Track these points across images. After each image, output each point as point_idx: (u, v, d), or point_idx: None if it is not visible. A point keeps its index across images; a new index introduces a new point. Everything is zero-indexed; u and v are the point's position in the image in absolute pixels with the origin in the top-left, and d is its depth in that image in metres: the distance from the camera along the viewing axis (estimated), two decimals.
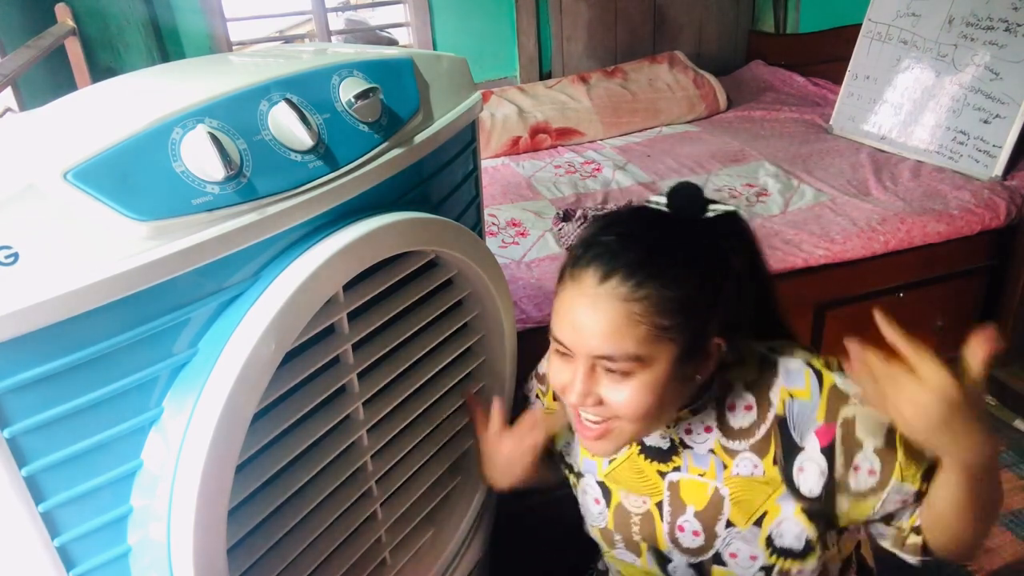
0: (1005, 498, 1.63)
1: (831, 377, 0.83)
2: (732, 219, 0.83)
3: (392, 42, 3.53)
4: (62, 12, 1.90)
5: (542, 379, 1.06)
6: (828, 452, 0.81)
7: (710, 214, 0.82)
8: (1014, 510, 1.63)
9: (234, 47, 2.68)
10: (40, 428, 0.58)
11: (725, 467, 0.88)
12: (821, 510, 0.84)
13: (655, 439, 0.91)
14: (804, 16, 3.03)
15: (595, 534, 1.01)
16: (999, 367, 1.96)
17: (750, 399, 0.86)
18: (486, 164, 2.45)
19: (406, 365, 0.91)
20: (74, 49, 1.89)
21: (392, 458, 0.94)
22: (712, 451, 0.88)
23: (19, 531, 0.60)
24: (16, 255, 0.54)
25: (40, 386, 0.58)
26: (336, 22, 4.09)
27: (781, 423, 0.84)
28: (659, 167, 2.31)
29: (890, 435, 0.81)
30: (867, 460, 0.81)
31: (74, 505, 0.62)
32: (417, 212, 0.85)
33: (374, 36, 3.61)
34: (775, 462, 0.85)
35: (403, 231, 0.82)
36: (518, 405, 1.11)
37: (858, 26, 2.42)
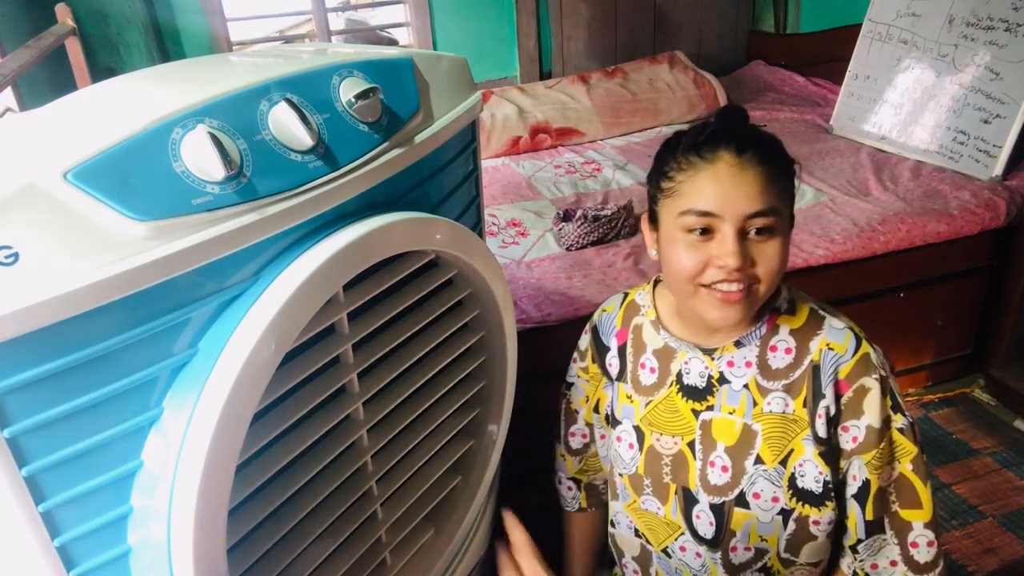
0: (1005, 498, 1.64)
1: (867, 347, 0.92)
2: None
3: (392, 42, 3.53)
4: (62, 12, 1.90)
5: (584, 355, 1.12)
6: (837, 402, 0.91)
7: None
8: (1014, 510, 1.63)
9: (234, 47, 2.68)
10: (40, 428, 0.58)
11: (755, 404, 0.95)
12: (831, 453, 0.92)
13: (694, 378, 0.98)
14: (804, 16, 3.03)
15: (624, 483, 1.06)
16: (999, 367, 1.96)
17: (791, 343, 0.94)
18: (486, 164, 2.45)
19: (406, 365, 0.91)
20: (74, 49, 1.89)
21: (392, 458, 0.94)
22: (747, 386, 0.95)
23: (19, 531, 0.60)
24: (16, 255, 0.54)
25: (40, 386, 0.58)
26: (336, 22, 4.09)
27: (815, 369, 0.92)
28: None
29: (885, 425, 0.90)
30: (857, 429, 0.91)
31: (74, 505, 0.62)
32: (417, 212, 0.85)
33: (374, 36, 3.61)
34: (804, 404, 0.92)
35: (403, 231, 0.82)
36: (516, 412, 1.11)
37: (858, 26, 2.42)
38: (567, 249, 1.82)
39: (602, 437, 1.14)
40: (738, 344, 0.95)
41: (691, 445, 0.98)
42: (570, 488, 1.21)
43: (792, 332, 0.95)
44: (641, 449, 1.03)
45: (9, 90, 1.69)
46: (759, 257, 0.86)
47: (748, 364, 0.95)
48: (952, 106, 2.13)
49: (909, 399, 2.00)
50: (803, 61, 2.98)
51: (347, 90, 0.76)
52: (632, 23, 3.03)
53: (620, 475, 1.06)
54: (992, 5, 2.07)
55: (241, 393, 0.65)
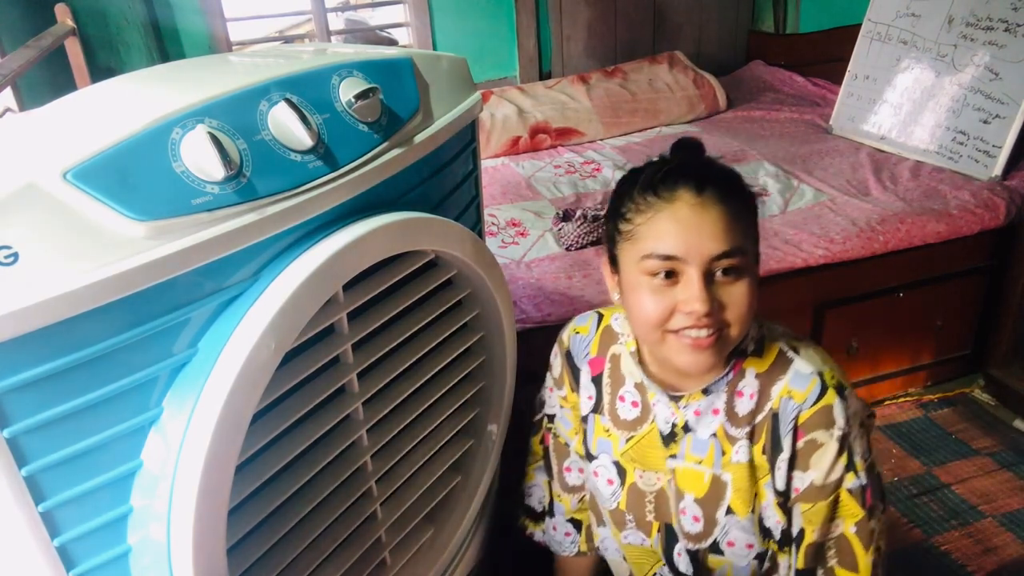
0: (1005, 498, 1.64)
1: (833, 397, 0.85)
2: None
3: (392, 42, 3.53)
4: (62, 12, 1.90)
5: (560, 383, 1.05)
6: (794, 449, 0.87)
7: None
8: (1014, 510, 1.63)
9: (234, 47, 2.68)
10: (40, 428, 0.58)
11: (724, 453, 0.91)
12: (787, 502, 0.89)
13: (661, 422, 0.94)
14: (804, 16, 3.03)
15: (606, 517, 1.02)
16: (999, 367, 1.96)
17: (755, 388, 0.89)
18: (486, 164, 2.45)
19: (406, 365, 0.91)
20: (74, 49, 1.89)
21: (392, 458, 0.94)
22: (714, 435, 0.91)
23: (19, 531, 0.60)
24: (16, 255, 0.54)
25: (40, 386, 0.58)
26: (336, 22, 4.09)
27: (775, 418, 0.87)
28: None
29: (835, 484, 0.86)
30: (801, 481, 0.87)
31: (74, 505, 0.62)
32: (417, 212, 0.85)
33: (374, 36, 3.61)
34: (763, 451, 0.89)
35: (403, 231, 0.82)
36: (516, 412, 1.11)
37: (858, 26, 2.41)
38: (567, 249, 1.82)
39: (580, 471, 1.09)
40: (706, 392, 0.90)
41: (669, 484, 0.95)
42: (568, 533, 1.12)
43: (758, 375, 0.89)
44: (622, 485, 0.98)
45: (9, 90, 1.69)
46: (728, 300, 0.81)
47: (716, 412, 0.91)
48: (951, 106, 2.13)
49: (909, 399, 2.01)
50: (803, 61, 2.98)
51: (347, 90, 0.76)
52: (632, 23, 3.03)
53: (602, 507, 1.03)
54: (992, 5, 2.07)
55: (241, 393, 0.65)
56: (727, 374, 0.89)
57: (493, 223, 1.99)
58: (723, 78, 2.92)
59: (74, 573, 0.64)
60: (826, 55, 2.85)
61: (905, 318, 1.92)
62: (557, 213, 1.96)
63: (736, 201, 0.82)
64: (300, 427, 0.80)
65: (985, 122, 2.03)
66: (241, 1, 2.81)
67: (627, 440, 0.97)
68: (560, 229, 1.87)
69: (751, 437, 0.89)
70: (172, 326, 0.64)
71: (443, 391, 1.00)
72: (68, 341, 0.58)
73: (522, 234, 1.93)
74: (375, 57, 0.82)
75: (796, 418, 0.86)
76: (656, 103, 2.72)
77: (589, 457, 1.01)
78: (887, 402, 1.99)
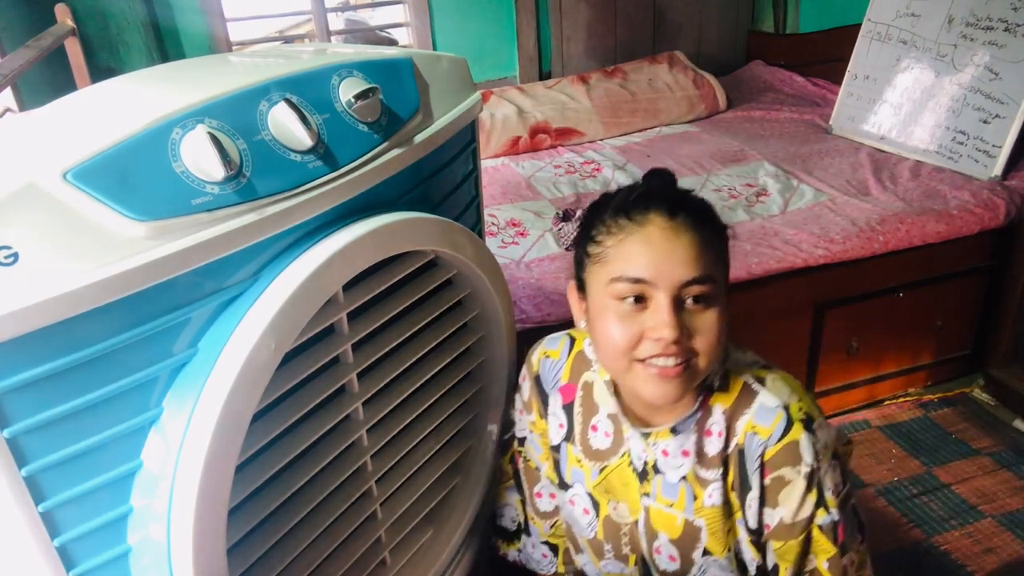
0: (1005, 498, 1.64)
1: (799, 431, 0.81)
2: None
3: (392, 42, 3.53)
4: (62, 12, 1.90)
5: (529, 407, 1.02)
6: (762, 486, 0.84)
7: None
8: (1014, 510, 1.63)
9: (234, 47, 2.68)
10: (40, 428, 0.58)
11: (696, 498, 0.87)
12: (759, 541, 0.87)
13: (634, 458, 0.91)
14: (804, 16, 3.03)
15: (584, 544, 1.00)
16: (999, 367, 1.96)
17: (722, 425, 0.85)
18: (486, 164, 2.45)
19: (406, 365, 0.91)
20: (74, 49, 1.89)
21: (392, 458, 0.94)
22: (684, 479, 0.88)
23: (19, 531, 0.60)
24: (16, 255, 0.54)
25: (40, 386, 0.58)
26: (336, 22, 4.09)
27: (740, 455, 0.84)
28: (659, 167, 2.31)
29: (806, 521, 0.83)
30: (771, 518, 0.85)
31: (74, 505, 0.62)
32: (417, 212, 0.85)
33: (374, 36, 3.61)
34: (733, 488, 0.86)
35: (403, 231, 0.82)
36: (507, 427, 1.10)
37: (858, 26, 2.41)
38: (567, 249, 1.82)
39: (552, 496, 1.04)
40: (674, 431, 0.87)
41: (637, 523, 0.93)
42: (545, 555, 1.08)
43: (724, 411, 0.85)
44: (597, 515, 0.96)
45: (9, 90, 1.69)
46: (697, 328, 0.78)
47: (685, 453, 0.87)
48: (951, 106, 2.13)
49: (909, 399, 2.01)
50: (803, 61, 2.98)
51: (347, 90, 0.76)
52: (632, 23, 3.03)
53: (579, 536, 1.00)
54: (992, 5, 2.07)
55: (241, 393, 0.65)
56: (696, 412, 0.86)
57: (493, 223, 1.99)
58: (723, 78, 2.92)
59: (74, 573, 0.64)
60: (826, 55, 2.85)
61: (905, 318, 1.92)
62: (557, 213, 1.96)
63: (708, 230, 0.80)
64: (300, 427, 0.80)
65: (985, 122, 2.03)
66: (241, 1, 2.81)
67: (599, 471, 0.94)
68: (560, 229, 1.87)
69: (724, 477, 0.86)
70: (172, 326, 0.64)
71: (443, 391, 1.00)
72: (68, 341, 0.58)
73: (522, 234, 1.93)
74: (375, 57, 0.82)
75: (762, 455, 0.82)
76: (656, 103, 2.72)
77: (564, 486, 0.99)
78: (887, 402, 1.99)
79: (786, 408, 0.82)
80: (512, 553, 1.11)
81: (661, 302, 0.77)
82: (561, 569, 1.09)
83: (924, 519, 1.62)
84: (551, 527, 1.06)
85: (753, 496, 0.84)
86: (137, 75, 0.82)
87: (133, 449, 0.65)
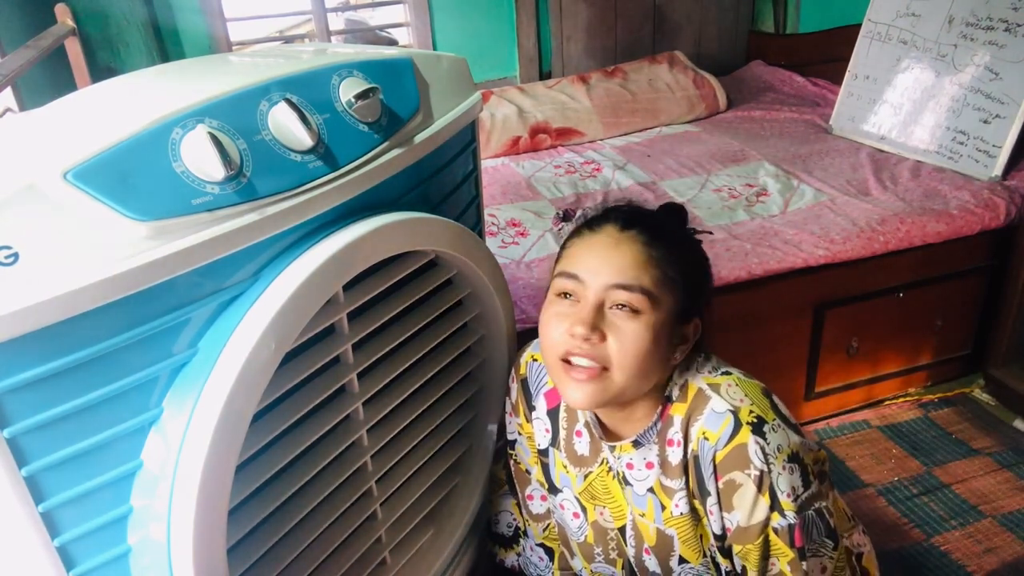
0: (1005, 498, 1.64)
1: (746, 436, 0.81)
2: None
3: (392, 42, 3.53)
4: (62, 12, 1.90)
5: (517, 410, 1.03)
6: (718, 495, 0.84)
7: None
8: (1014, 510, 1.63)
9: (234, 47, 2.68)
10: (40, 428, 0.58)
11: (664, 508, 0.88)
12: (724, 547, 0.86)
13: (613, 468, 0.91)
14: (804, 16, 3.03)
15: (575, 549, 1.00)
16: (999, 367, 1.96)
17: (680, 435, 0.86)
18: (486, 164, 2.45)
19: (406, 365, 0.91)
20: (74, 49, 1.89)
21: (392, 458, 0.94)
22: (651, 490, 0.88)
23: (19, 531, 0.60)
24: (16, 255, 0.54)
25: (40, 386, 0.58)
26: (336, 22, 4.09)
27: (696, 460, 0.84)
28: (659, 167, 2.31)
29: (762, 524, 0.82)
30: (729, 521, 0.84)
31: (74, 505, 0.62)
32: (417, 212, 0.85)
33: (374, 36, 3.61)
34: (695, 495, 0.86)
35: (403, 231, 0.82)
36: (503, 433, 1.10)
37: (858, 26, 2.41)
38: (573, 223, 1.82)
39: (543, 498, 1.05)
40: (636, 444, 0.88)
41: (622, 531, 0.93)
42: (542, 558, 1.09)
43: (681, 420, 0.86)
44: (586, 520, 0.97)
45: (9, 90, 1.69)
46: (615, 336, 0.79)
47: (649, 465, 0.88)
48: (952, 106, 2.13)
49: (909, 399, 2.00)
50: (803, 61, 2.98)
51: (347, 90, 0.76)
52: (632, 23, 3.03)
53: (571, 539, 1.01)
54: (992, 5, 2.06)
55: (241, 393, 0.65)
56: (655, 423, 0.86)
57: (493, 223, 1.99)
58: (723, 78, 2.92)
59: (74, 573, 0.64)
60: (826, 55, 2.85)
61: (905, 318, 1.92)
62: (557, 213, 1.96)
63: (664, 251, 0.82)
64: (300, 427, 0.80)
65: (985, 122, 2.03)
66: (241, 1, 2.81)
67: (584, 478, 0.95)
68: (560, 229, 1.87)
69: (687, 485, 0.86)
70: (172, 326, 0.64)
71: (443, 391, 1.00)
72: (68, 341, 0.58)
73: (522, 234, 1.93)
74: (375, 57, 0.82)
75: (713, 459, 0.82)
76: (656, 103, 2.72)
77: (553, 490, 0.99)
78: (887, 402, 1.99)
79: (734, 412, 0.82)
80: (511, 559, 1.11)
81: (587, 299, 0.81)
82: (557, 574, 1.09)
83: (924, 519, 1.62)
84: (544, 530, 1.07)
85: (712, 501, 0.84)
86: (137, 75, 0.82)
87: (133, 449, 0.65)
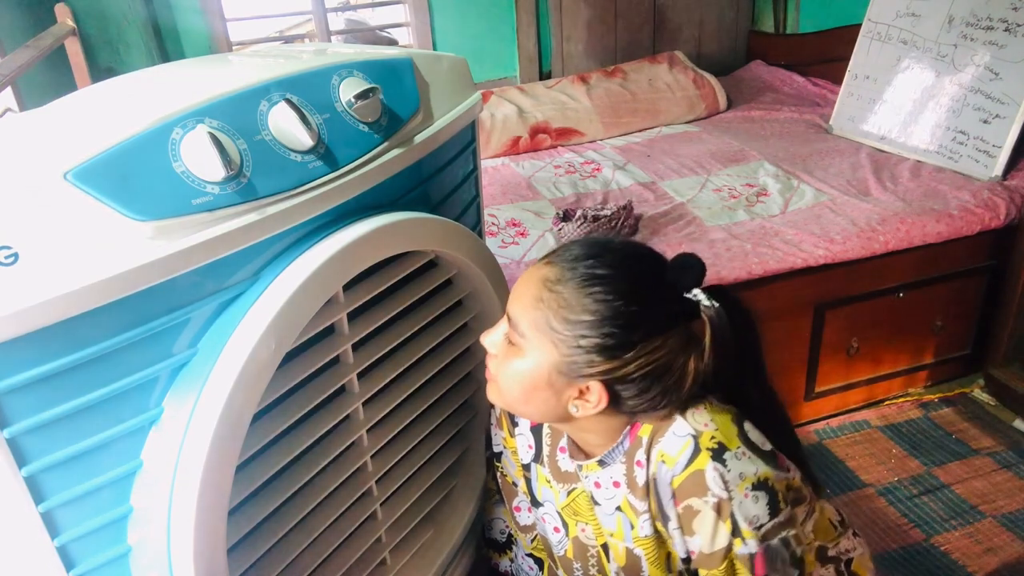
0: (1005, 498, 1.64)
1: (704, 462, 0.78)
2: (716, 316, 0.79)
3: (392, 42, 3.53)
4: (62, 12, 1.90)
5: (500, 423, 1.02)
6: (679, 519, 0.82)
7: (691, 296, 0.79)
8: (1014, 510, 1.63)
9: (234, 47, 2.68)
10: (40, 428, 0.58)
11: (632, 527, 0.86)
12: (690, 570, 0.85)
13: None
14: (804, 16, 3.03)
15: (557, 563, 1.00)
16: (999, 367, 1.96)
17: (645, 455, 0.83)
18: (486, 164, 2.45)
19: (406, 365, 0.91)
20: (74, 49, 1.89)
21: (392, 458, 0.94)
22: (619, 509, 0.87)
23: (19, 531, 0.60)
24: (16, 255, 0.54)
25: (40, 386, 0.58)
26: (336, 22, 4.09)
27: (655, 483, 0.82)
28: (659, 167, 2.31)
29: (724, 550, 0.79)
30: (693, 544, 0.82)
31: (74, 505, 0.62)
32: (417, 212, 0.85)
33: (374, 36, 3.60)
34: (656, 518, 0.84)
35: (403, 231, 0.82)
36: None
37: (858, 26, 2.41)
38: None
39: (530, 510, 1.03)
40: (602, 463, 0.86)
41: (605, 548, 0.92)
42: (532, 567, 1.08)
43: (648, 440, 0.83)
44: (567, 535, 0.96)
45: (9, 90, 1.69)
46: (501, 356, 0.81)
47: (616, 484, 0.86)
48: (952, 106, 2.13)
49: (909, 399, 2.00)
50: (803, 61, 2.98)
51: (347, 90, 0.76)
52: (632, 23, 3.03)
53: (553, 553, 1.00)
54: (992, 5, 2.06)
55: (241, 393, 0.65)
56: (621, 442, 0.85)
57: (493, 223, 1.99)
58: (723, 78, 2.92)
59: (74, 573, 0.64)
60: (826, 55, 2.85)
61: (905, 318, 1.92)
62: (557, 213, 1.96)
63: (557, 296, 0.77)
64: (300, 427, 0.80)
65: (985, 122, 2.03)
66: (241, 1, 2.81)
67: (567, 494, 0.93)
68: (560, 229, 1.87)
69: (651, 507, 0.84)
70: (172, 326, 0.64)
71: (443, 392, 1.00)
72: (68, 341, 0.58)
73: (522, 234, 1.93)
74: (375, 57, 0.82)
75: (670, 483, 0.80)
76: (656, 103, 2.72)
77: (536, 503, 0.99)
78: (887, 402, 1.99)
79: (695, 436, 0.79)
80: (504, 563, 1.11)
81: (504, 320, 0.82)
82: None
83: (924, 519, 1.62)
84: (532, 540, 1.06)
85: (674, 526, 0.82)
86: (137, 75, 0.82)
87: (133, 449, 0.65)
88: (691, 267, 0.80)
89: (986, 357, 2.00)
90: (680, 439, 0.80)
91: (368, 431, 0.88)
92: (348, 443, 0.86)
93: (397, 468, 0.96)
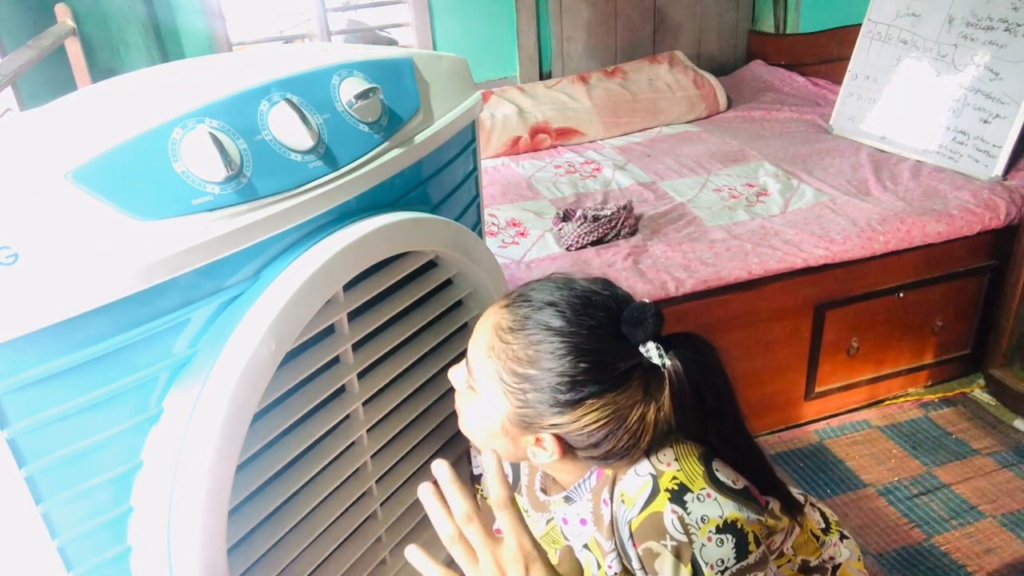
0: (1005, 498, 1.64)
1: (662, 504, 0.74)
2: (675, 372, 0.75)
3: (392, 42, 3.53)
4: (62, 12, 1.90)
5: (475, 459, 1.03)
6: (640, 560, 0.79)
7: (644, 351, 0.74)
8: (1014, 510, 1.63)
9: (234, 47, 2.68)
10: (40, 428, 0.58)
11: (599, 566, 0.84)
12: None
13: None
14: (804, 16, 3.03)
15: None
16: (999, 367, 1.96)
17: (609, 493, 0.81)
18: (486, 164, 2.45)
19: (406, 365, 0.91)
20: (74, 49, 1.89)
21: (392, 458, 0.94)
22: (587, 547, 0.85)
23: (19, 531, 0.60)
24: (16, 255, 0.54)
25: (40, 386, 0.58)
26: (336, 22, 4.09)
27: (616, 522, 0.80)
28: (659, 167, 2.31)
29: None
30: None
31: (74, 505, 0.62)
32: (417, 212, 0.85)
33: (374, 36, 3.60)
34: (622, 557, 0.81)
35: (403, 231, 0.82)
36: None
37: (858, 26, 2.41)
38: (567, 249, 1.82)
39: None
40: (568, 499, 0.85)
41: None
42: None
43: (612, 477, 0.81)
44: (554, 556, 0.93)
45: (9, 90, 1.68)
46: (465, 398, 0.81)
47: (583, 521, 0.84)
48: (952, 106, 2.13)
49: (909, 399, 2.00)
50: (803, 61, 2.98)
51: (347, 90, 0.76)
52: (632, 23, 3.03)
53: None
54: (992, 5, 2.07)
55: (241, 393, 0.65)
56: (588, 478, 0.83)
57: (493, 223, 1.99)
58: (723, 78, 2.92)
59: (74, 573, 0.64)
60: (826, 55, 2.85)
61: (905, 318, 1.92)
62: (557, 213, 1.96)
63: (507, 346, 0.75)
64: (300, 427, 0.80)
65: (985, 122, 2.03)
66: (241, 1, 2.81)
67: (546, 523, 0.92)
68: (560, 229, 1.87)
69: (615, 546, 0.81)
70: (172, 326, 0.64)
71: (443, 392, 1.00)
72: (68, 341, 0.58)
73: (522, 234, 1.93)
74: (375, 57, 0.82)
75: (628, 524, 0.77)
76: (656, 103, 2.72)
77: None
78: (887, 402, 1.99)
79: (655, 476, 0.76)
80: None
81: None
82: None
83: (924, 519, 1.62)
84: None
85: (636, 566, 0.78)
86: (137, 75, 0.82)
87: (133, 449, 0.65)
88: (643, 321, 0.74)
89: (986, 357, 2.00)
90: (640, 479, 0.77)
91: (368, 431, 0.88)
92: (348, 443, 0.86)
93: (397, 468, 0.96)
